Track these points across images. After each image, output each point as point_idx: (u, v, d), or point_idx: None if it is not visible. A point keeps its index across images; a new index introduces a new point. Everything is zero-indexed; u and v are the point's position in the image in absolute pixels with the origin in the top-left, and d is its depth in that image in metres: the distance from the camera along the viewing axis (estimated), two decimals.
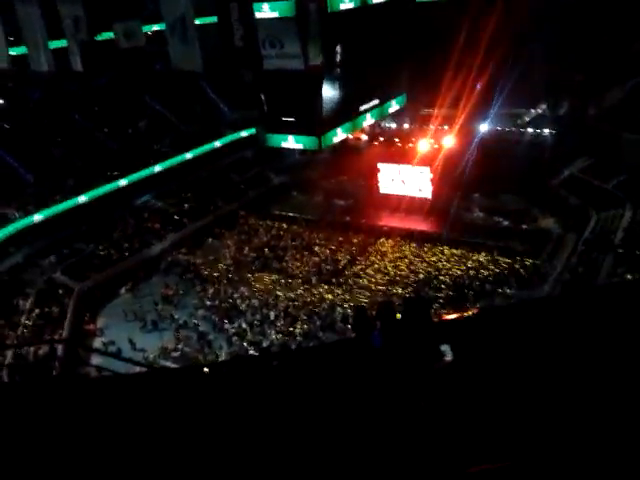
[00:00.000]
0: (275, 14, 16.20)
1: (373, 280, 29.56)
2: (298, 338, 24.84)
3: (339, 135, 19.88)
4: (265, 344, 24.45)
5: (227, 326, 26.32)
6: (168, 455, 3.64)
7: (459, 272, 29.35)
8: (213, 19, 16.00)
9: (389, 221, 35.80)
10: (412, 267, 30.51)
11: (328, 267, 31.51)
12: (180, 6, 17.34)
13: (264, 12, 16.17)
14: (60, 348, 23.27)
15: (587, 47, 33.48)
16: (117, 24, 21.46)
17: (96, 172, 33.96)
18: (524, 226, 33.07)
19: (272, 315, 26.70)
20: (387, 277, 29.74)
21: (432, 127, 37.07)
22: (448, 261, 30.81)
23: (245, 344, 24.71)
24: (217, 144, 39.78)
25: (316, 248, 33.86)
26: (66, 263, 30.58)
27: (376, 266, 31.14)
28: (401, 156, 36.66)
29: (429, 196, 35.65)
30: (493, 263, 29.89)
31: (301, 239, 35.27)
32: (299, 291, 29.17)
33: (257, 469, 3.41)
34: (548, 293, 25.58)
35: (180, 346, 25.08)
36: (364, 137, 39.48)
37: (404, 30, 21.53)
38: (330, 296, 28.36)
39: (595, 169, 33.15)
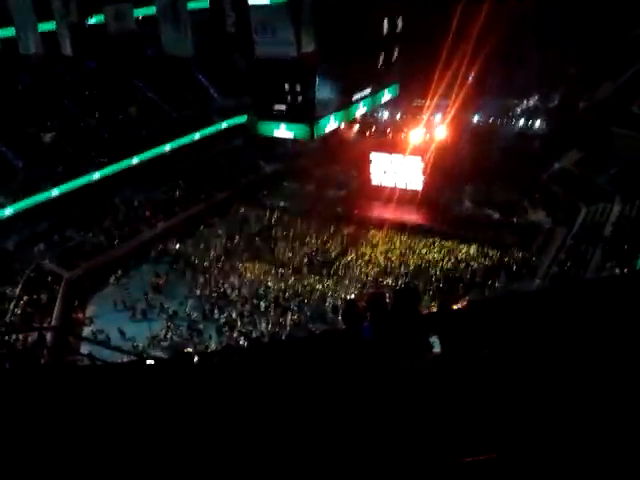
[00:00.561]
0: (267, 0, 16.04)
1: (364, 271, 29.59)
2: (288, 328, 24.86)
3: (331, 124, 19.75)
4: (255, 334, 24.45)
5: (217, 316, 26.28)
6: (158, 445, 3.61)
7: (450, 264, 29.44)
8: (205, 4, 15.78)
9: (381, 212, 35.78)
10: (403, 259, 30.55)
11: (319, 258, 31.51)
12: None
13: None
14: (49, 336, 23.15)
15: (580, 40, 33.54)
16: (107, 6, 21.11)
17: (86, 158, 33.65)
18: (514, 219, 33.19)
19: (262, 305, 26.70)
20: (378, 268, 29.77)
21: (424, 117, 37.02)
22: (439, 253, 30.88)
23: (235, 334, 24.71)
24: (208, 131, 39.50)
25: (307, 238, 33.82)
26: (56, 250, 30.37)
27: (367, 257, 31.17)
28: (393, 146, 36.59)
29: (420, 187, 35.65)
30: (483, 255, 30.01)
31: (292, 229, 35.20)
32: (290, 281, 29.16)
33: (248, 459, 3.38)
34: (537, 286, 25.74)
35: (170, 335, 25.04)
36: (356, 127, 39.35)
37: (399, 18, 21.38)
38: (321, 287, 28.38)
39: (585, 162, 33.28)
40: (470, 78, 35.65)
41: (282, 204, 38.42)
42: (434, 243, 32.05)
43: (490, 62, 32.76)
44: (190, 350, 23.25)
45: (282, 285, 28.72)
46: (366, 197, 37.20)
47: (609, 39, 33.27)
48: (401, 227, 33.91)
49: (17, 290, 26.85)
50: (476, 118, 36.79)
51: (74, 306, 27.72)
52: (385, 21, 20.36)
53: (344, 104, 20.07)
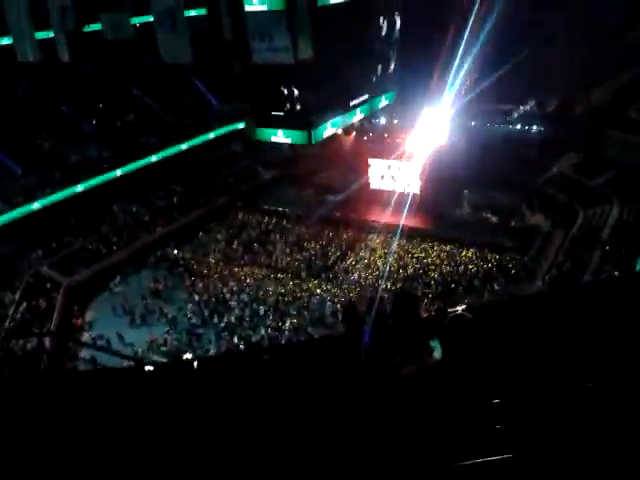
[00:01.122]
0: (264, 7, 16.13)
1: (363, 275, 29.61)
2: (287, 333, 24.84)
3: (329, 130, 19.90)
4: (255, 339, 24.43)
5: (216, 321, 26.27)
6: (158, 449, 3.63)
7: (448, 268, 29.45)
8: (203, 11, 15.89)
9: (379, 216, 35.78)
10: (401, 262, 30.57)
11: (318, 262, 31.52)
12: None
13: (254, 5, 16.10)
14: (48, 342, 23.14)
15: (575, 46, 33.65)
16: (104, 15, 21.21)
17: (84, 164, 33.71)
18: (512, 222, 33.24)
19: (262, 310, 26.69)
20: (377, 272, 29.78)
21: (421, 123, 37.11)
22: (437, 257, 30.90)
23: (235, 339, 24.69)
24: (206, 137, 39.59)
25: (306, 243, 33.85)
26: (54, 257, 30.37)
27: (366, 261, 31.17)
28: (391, 152, 36.66)
29: (418, 192, 35.72)
30: (482, 259, 30.02)
31: (291, 234, 35.24)
32: (289, 286, 29.16)
33: (247, 463, 3.40)
34: (536, 289, 25.76)
35: (169, 340, 25.02)
36: (354, 132, 39.42)
37: (396, 25, 21.53)
38: (320, 291, 28.38)
39: (583, 166, 33.36)
40: (467, 84, 35.78)
41: (280, 209, 38.45)
42: (433, 247, 32.06)
43: (487, 68, 32.85)
44: (190, 355, 23.26)
45: (281, 290, 28.71)
46: (364, 202, 37.22)
47: (604, 44, 33.40)
48: (400, 231, 33.89)
49: (16, 296, 26.81)
50: (473, 123, 36.87)
51: (73, 312, 27.69)
52: (382, 28, 20.51)
53: (342, 110, 20.19)
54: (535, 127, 35.36)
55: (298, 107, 17.92)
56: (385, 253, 31.92)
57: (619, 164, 30.49)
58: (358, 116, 21.76)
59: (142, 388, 4.75)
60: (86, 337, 25.69)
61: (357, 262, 31.22)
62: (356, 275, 29.70)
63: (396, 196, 36.24)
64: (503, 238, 31.28)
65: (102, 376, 6.67)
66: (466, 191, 35.77)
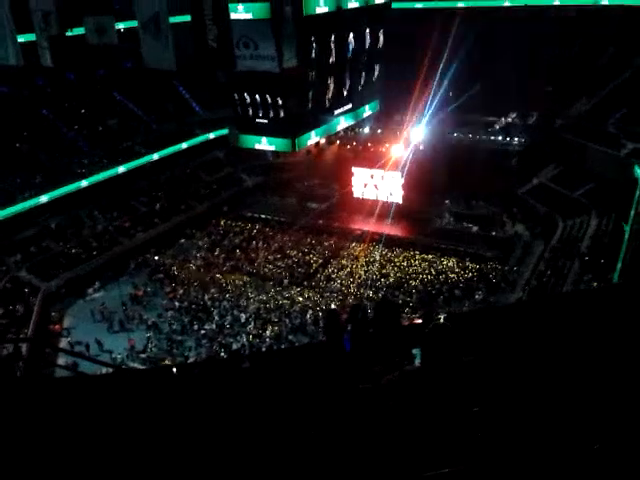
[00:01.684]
0: (250, 15, 16.18)
1: (345, 283, 29.65)
2: (269, 340, 24.76)
3: (313, 138, 19.97)
4: (235, 346, 24.30)
5: (197, 327, 26.09)
6: (135, 457, 3.59)
7: (430, 277, 29.62)
8: (187, 17, 15.86)
9: (362, 225, 35.94)
10: (383, 271, 30.68)
11: (300, 270, 31.49)
12: (154, 3, 17.14)
13: (239, 13, 16.14)
14: (25, 348, 22.76)
15: (556, 59, 34.29)
16: (88, 19, 21.02)
17: (64, 169, 33.38)
18: (493, 232, 33.56)
19: (243, 317, 26.57)
20: (359, 280, 29.84)
21: (404, 133, 37.43)
22: (419, 266, 31.07)
23: (215, 346, 24.54)
24: (189, 144, 39.46)
25: (288, 250, 33.83)
26: (32, 261, 29.96)
27: (348, 269, 31.23)
28: (374, 160, 36.88)
29: (400, 201, 35.95)
30: (463, 268, 30.26)
31: (273, 241, 35.20)
32: (271, 293, 29.09)
33: (227, 471, 3.38)
34: (516, 299, 26.00)
35: (148, 347, 24.79)
36: (338, 141, 39.58)
37: (379, 36, 21.70)
38: (302, 299, 28.35)
39: (562, 178, 33.85)
40: (450, 95, 36.18)
41: (263, 216, 38.42)
42: (414, 256, 32.24)
43: (469, 80, 33.31)
44: (169, 362, 23.05)
45: (263, 297, 28.64)
46: (347, 210, 37.38)
47: (584, 58, 34.06)
48: (382, 240, 34.08)
49: None
50: (456, 134, 37.26)
51: (51, 318, 27.33)
52: (367, 39, 20.67)
53: (326, 119, 20.27)
54: (516, 139, 35.79)
55: (282, 115, 17.95)
56: (367, 262, 32.01)
57: (598, 176, 31.00)
58: (342, 125, 21.84)
59: (120, 395, 4.70)
60: (64, 343, 25.36)
61: (339, 270, 31.26)
62: (338, 283, 29.73)
63: (379, 205, 36.47)
64: (484, 248, 31.57)
65: (79, 383, 6.58)
66: (447, 201, 36.08)
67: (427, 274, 29.95)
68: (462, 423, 3.36)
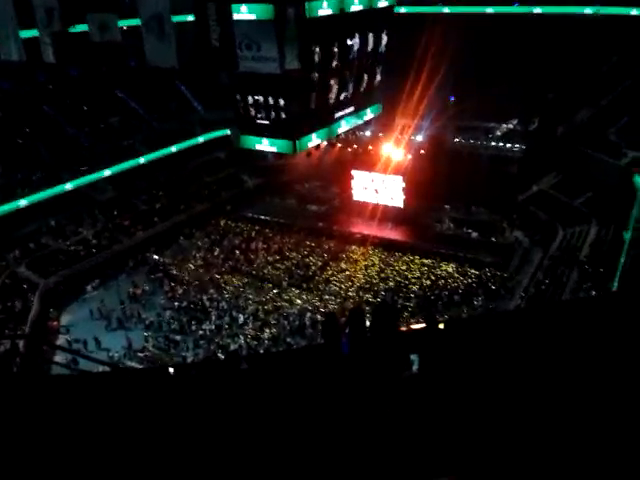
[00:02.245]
0: (253, 16, 16.17)
1: (343, 287, 29.62)
2: (267, 342, 24.72)
3: (314, 140, 19.95)
4: (233, 347, 24.27)
5: (195, 328, 26.06)
6: (131, 457, 3.56)
7: (429, 282, 29.60)
8: (191, 17, 15.88)
9: (361, 228, 35.93)
10: (382, 275, 30.66)
11: (299, 272, 31.47)
12: (157, 3, 17.16)
13: (242, 14, 16.13)
14: (22, 345, 22.74)
15: (559, 67, 34.31)
16: (91, 16, 21.07)
17: (65, 166, 33.38)
18: (493, 239, 33.54)
19: (241, 318, 26.54)
20: (357, 284, 29.81)
21: (406, 137, 37.43)
22: (418, 270, 31.03)
23: (213, 347, 24.51)
24: (190, 143, 39.47)
25: (288, 252, 33.81)
26: (32, 257, 29.93)
27: (347, 273, 31.21)
28: (374, 164, 36.89)
29: (401, 205, 35.96)
30: (462, 274, 30.23)
31: (273, 243, 35.19)
32: (269, 295, 29.06)
33: (223, 474, 3.36)
34: (515, 306, 25.97)
35: (146, 346, 24.76)
36: (339, 144, 39.62)
37: (382, 40, 21.71)
38: (300, 301, 28.32)
39: (563, 185, 33.85)
40: (452, 99, 36.22)
41: (263, 217, 38.40)
42: (414, 261, 32.21)
43: (471, 85, 33.32)
44: (166, 362, 23.03)
45: (261, 298, 28.61)
46: (347, 213, 37.37)
47: (587, 66, 34.10)
48: (381, 243, 34.08)
49: None
50: (457, 139, 37.27)
51: (49, 314, 27.29)
52: (369, 43, 20.67)
53: (327, 121, 20.26)
54: (517, 145, 35.81)
55: (283, 116, 17.95)
56: (366, 265, 31.99)
57: (598, 185, 31.01)
58: (343, 127, 21.83)
59: (116, 394, 4.67)
60: (62, 340, 25.33)
61: (338, 273, 31.23)
62: (337, 286, 29.70)
63: (379, 209, 36.48)
64: (483, 254, 31.53)
65: (75, 381, 6.56)
66: (448, 206, 36.07)
67: (426, 279, 29.93)
68: (460, 429, 3.34)
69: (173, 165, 38.48)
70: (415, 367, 3.84)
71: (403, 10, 32.70)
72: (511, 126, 36.40)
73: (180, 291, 29.43)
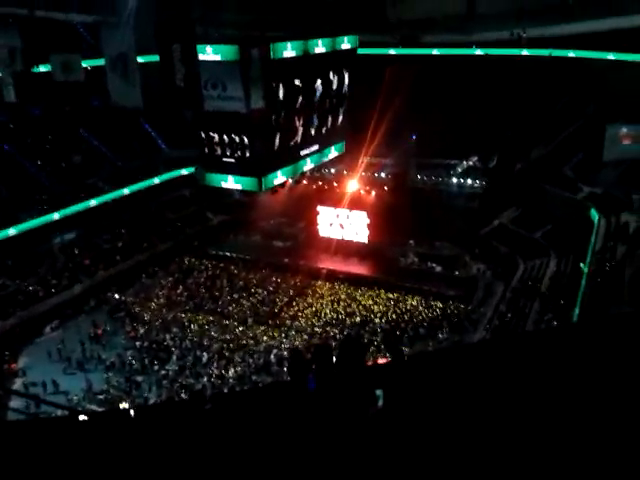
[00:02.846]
0: (218, 57, 16.41)
1: (310, 322, 29.50)
2: (232, 381, 24.31)
3: (279, 178, 20.08)
4: (197, 387, 23.77)
5: (157, 368, 25.47)
6: None
7: (394, 316, 29.73)
8: (155, 57, 16.02)
9: (327, 264, 36.08)
10: (349, 310, 30.68)
11: (265, 308, 31.26)
12: (122, 43, 17.28)
13: (207, 54, 16.34)
14: None
15: (515, 106, 35.61)
16: (54, 56, 21.05)
17: (25, 205, 32.72)
18: (456, 272, 34.06)
19: (205, 357, 26.08)
20: (324, 319, 29.74)
21: (370, 174, 38.13)
22: (384, 304, 31.18)
23: (176, 387, 23.95)
24: (154, 181, 39.26)
25: (253, 289, 33.59)
26: None
27: (313, 308, 31.13)
28: (339, 201, 37.37)
29: (366, 240, 36.35)
30: (427, 307, 30.50)
31: (238, 279, 34.95)
32: (235, 332, 28.70)
33: None
34: (479, 338, 26.23)
35: (106, 388, 24.04)
36: (304, 181, 39.99)
37: (345, 80, 22.21)
38: (266, 338, 28.05)
39: (522, 219, 34.74)
40: (413, 138, 37.10)
41: (228, 254, 38.20)
42: (379, 295, 32.39)
43: (431, 123, 34.24)
44: (127, 404, 22.38)
45: (227, 336, 28.23)
46: (312, 248, 37.52)
47: (542, 105, 35.46)
48: (347, 278, 34.23)
49: None
50: (419, 176, 38.06)
51: (5, 357, 26.33)
52: (333, 83, 21.13)
53: (293, 159, 20.48)
54: (478, 181, 36.74)
55: (249, 154, 18.07)
56: (332, 300, 32.00)
57: (556, 218, 31.94)
58: (308, 165, 22.09)
59: (74, 439, 4.54)
60: (18, 384, 24.43)
61: (305, 309, 31.13)
62: (303, 322, 29.56)
63: (344, 244, 36.77)
64: (447, 287, 31.95)
65: (32, 426, 6.33)
66: (412, 241, 36.56)
67: (392, 313, 30.07)
68: (427, 464, 3.35)
69: (137, 203, 38.12)
70: (380, 402, 3.85)
71: (364, 52, 33.54)
72: (471, 163, 37.36)
73: (142, 331, 28.84)
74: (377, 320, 29.28)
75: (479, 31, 35.14)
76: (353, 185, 37.88)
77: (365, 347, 5.17)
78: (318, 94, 20.40)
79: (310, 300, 32.30)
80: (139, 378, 24.85)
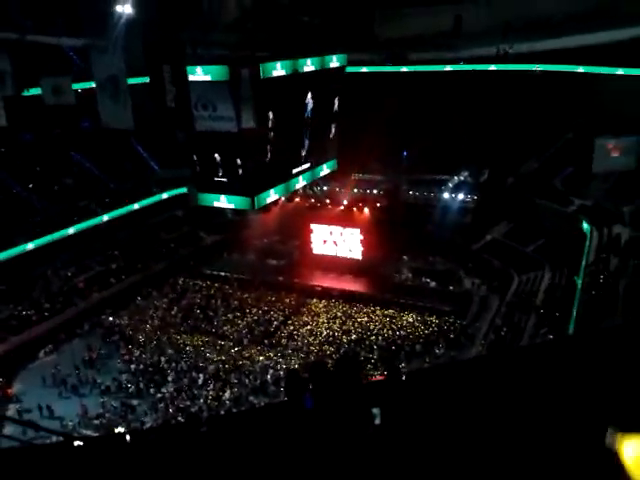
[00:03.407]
0: (208, 77, 16.52)
1: (306, 341, 29.34)
2: (228, 402, 24.08)
3: (272, 196, 20.13)
4: (193, 410, 23.52)
5: (153, 391, 25.21)
6: None
7: (390, 332, 29.63)
8: (145, 79, 16.11)
9: (322, 281, 36.03)
10: (344, 327, 30.56)
11: (260, 328, 31.08)
12: (112, 66, 17.36)
13: (197, 75, 16.46)
14: None
15: (506, 121, 35.95)
16: (45, 79, 21.13)
17: (18, 229, 32.59)
18: (451, 287, 34.08)
19: (201, 379, 25.84)
20: (320, 338, 29.60)
21: (362, 191, 38.32)
22: (379, 321, 31.09)
23: (172, 410, 23.69)
24: (147, 202, 39.24)
25: (248, 309, 33.43)
26: None
27: (309, 327, 31.00)
28: (332, 218, 37.48)
29: (359, 257, 36.37)
30: (423, 323, 30.43)
31: (233, 299, 34.80)
32: (230, 353, 28.50)
33: None
34: (476, 353, 26.16)
35: (102, 413, 23.76)
36: (297, 199, 40.11)
37: (335, 98, 22.40)
38: (262, 358, 27.86)
39: (515, 233, 34.91)
40: (405, 154, 37.34)
41: (223, 274, 38.09)
42: (375, 312, 32.31)
43: (423, 140, 34.52)
44: (122, 429, 22.11)
45: (222, 357, 28.02)
46: (307, 266, 37.50)
47: (532, 120, 35.81)
48: (342, 296, 34.17)
49: None
50: (411, 192, 38.27)
51: None
52: (322, 101, 21.30)
53: (285, 177, 20.56)
54: (469, 196, 36.95)
55: (241, 173, 18.12)
56: (328, 318, 31.89)
57: (549, 232, 32.10)
58: (300, 183, 22.17)
59: (70, 466, 4.47)
60: (12, 410, 24.12)
61: (300, 327, 30.98)
62: (299, 341, 29.40)
63: (338, 261, 36.78)
64: (442, 303, 31.94)
65: (26, 453, 6.23)
66: (405, 257, 36.61)
67: (388, 330, 29.97)
68: None
69: (130, 225, 38.04)
70: (377, 420, 3.81)
71: (352, 70, 33.89)
72: (462, 178, 37.59)
73: (137, 353, 28.58)
74: (373, 337, 29.16)
75: (466, 48, 35.55)
76: (346, 202, 38.03)
77: (361, 365, 5.15)
78: (308, 112, 20.55)
79: (305, 318, 32.17)
80: (135, 402, 24.59)
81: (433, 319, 30.74)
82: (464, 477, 3.31)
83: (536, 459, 3.26)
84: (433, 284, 34.70)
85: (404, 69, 38.64)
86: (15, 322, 29.78)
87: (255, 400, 24.05)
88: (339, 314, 32.39)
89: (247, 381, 25.57)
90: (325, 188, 39.90)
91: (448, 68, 37.55)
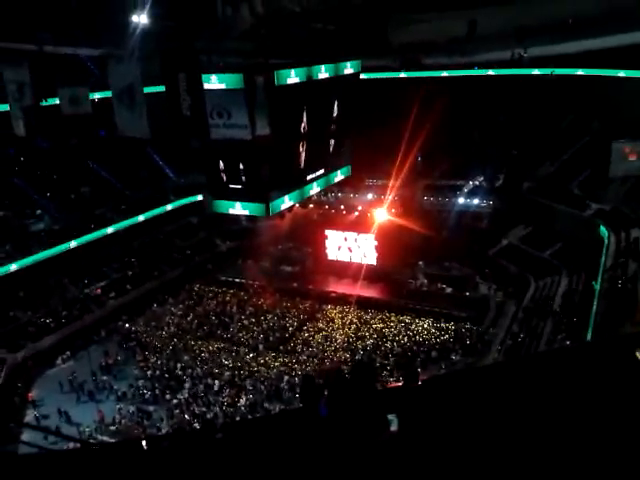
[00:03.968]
0: (223, 85, 16.64)
1: (321, 347, 29.30)
2: (243, 409, 24.09)
3: (286, 203, 20.17)
4: (209, 416, 23.57)
5: (169, 397, 25.32)
6: None
7: (406, 339, 29.48)
8: (161, 88, 16.26)
9: (336, 287, 35.99)
10: (360, 334, 30.47)
11: (276, 334, 31.10)
12: (128, 75, 17.54)
13: (212, 83, 16.58)
14: None
15: (521, 125, 35.76)
16: (62, 90, 21.41)
17: (35, 237, 33.01)
18: (467, 293, 33.83)
19: (216, 385, 25.91)
20: (335, 344, 29.53)
21: (376, 196, 38.27)
22: (395, 327, 30.95)
23: (187, 416, 23.77)
24: (163, 210, 39.56)
25: (263, 315, 33.48)
26: None
27: (324, 333, 30.95)
28: (347, 224, 37.46)
29: (374, 262, 36.27)
30: (438, 329, 30.24)
31: (248, 305, 34.88)
32: (245, 359, 28.55)
33: None
34: (493, 359, 25.91)
35: (118, 419, 23.90)
36: (311, 205, 40.18)
37: (349, 104, 22.42)
38: (277, 364, 27.86)
39: (531, 238, 34.60)
40: (419, 159, 37.24)
41: (238, 280, 38.20)
42: (390, 318, 32.17)
43: (438, 145, 34.42)
44: (139, 434, 22.21)
45: (237, 363, 28.07)
46: (321, 273, 37.48)
47: (547, 124, 35.58)
48: (357, 302, 34.06)
49: None
50: (426, 197, 38.14)
51: (17, 390, 26.28)
52: (337, 107, 21.34)
53: (299, 183, 20.60)
54: (485, 201, 36.73)
55: (255, 180, 18.19)
56: (343, 324, 31.82)
57: (566, 236, 31.78)
58: (315, 190, 22.20)
59: (87, 472, 4.50)
60: (30, 416, 24.37)
61: (315, 334, 30.95)
62: (314, 347, 29.36)
63: (353, 267, 36.70)
64: (458, 309, 31.71)
65: (44, 460, 6.28)
66: (421, 263, 36.44)
67: (403, 336, 29.82)
68: None
69: (146, 232, 38.37)
70: (394, 427, 3.79)
71: (366, 76, 33.96)
72: (477, 183, 37.39)
73: (153, 360, 28.74)
74: (388, 344, 29.02)
75: (480, 52, 35.46)
76: (360, 208, 37.99)
77: (376, 371, 5.13)
78: (323, 119, 20.60)
79: (320, 324, 32.14)
80: (151, 408, 24.72)
81: (449, 325, 30.53)
82: None
83: (555, 466, 3.23)
84: (449, 290, 34.47)
85: (418, 74, 38.61)
86: (33, 329, 30.11)
87: (270, 406, 24.04)
88: (354, 320, 32.31)
89: (262, 387, 25.57)
90: (340, 194, 39.93)
91: (462, 73, 37.44)
